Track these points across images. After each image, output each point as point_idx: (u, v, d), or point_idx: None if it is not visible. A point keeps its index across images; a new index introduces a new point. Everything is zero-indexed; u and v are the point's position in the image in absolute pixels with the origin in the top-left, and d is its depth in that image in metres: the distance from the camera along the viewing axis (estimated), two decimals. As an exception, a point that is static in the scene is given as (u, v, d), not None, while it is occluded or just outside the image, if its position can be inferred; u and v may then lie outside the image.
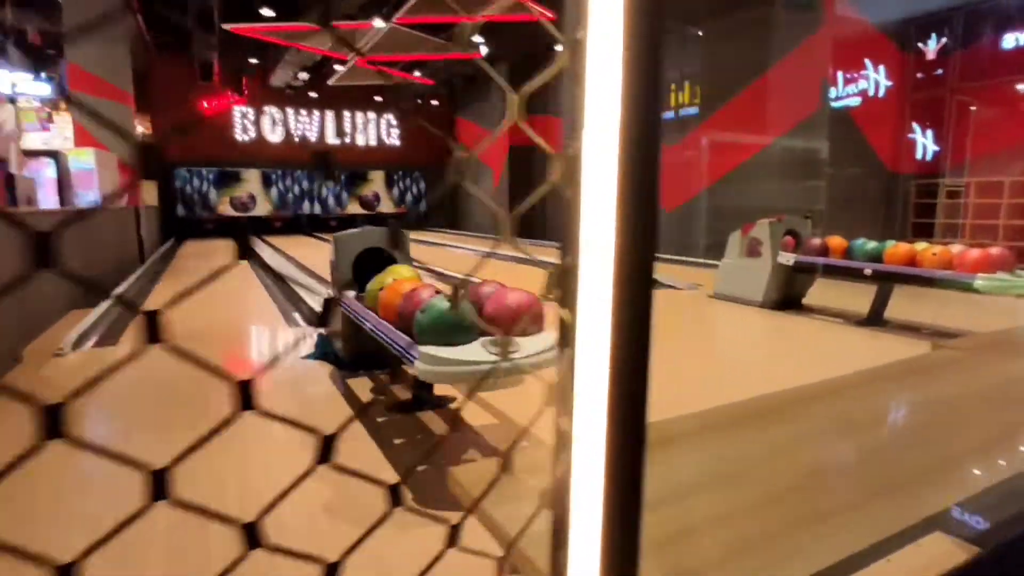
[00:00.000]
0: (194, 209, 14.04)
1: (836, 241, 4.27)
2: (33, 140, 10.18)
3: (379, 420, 2.31)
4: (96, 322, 3.99)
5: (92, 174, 8.13)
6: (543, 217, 13.31)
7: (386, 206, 16.21)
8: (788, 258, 4.34)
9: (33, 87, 10.91)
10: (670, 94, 9.72)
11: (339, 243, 2.97)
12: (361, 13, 8.09)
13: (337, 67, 11.19)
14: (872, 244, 4.00)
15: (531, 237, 12.19)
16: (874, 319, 3.97)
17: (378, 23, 7.64)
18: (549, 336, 1.86)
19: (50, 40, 9.46)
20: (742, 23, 7.78)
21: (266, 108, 14.50)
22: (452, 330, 1.77)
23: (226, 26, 8.17)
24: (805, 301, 4.56)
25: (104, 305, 4.44)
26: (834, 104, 7.97)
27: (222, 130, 14.07)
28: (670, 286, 5.44)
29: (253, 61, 12.09)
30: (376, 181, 16.05)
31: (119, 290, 5.18)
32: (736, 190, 7.97)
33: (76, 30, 8.55)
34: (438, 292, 2.02)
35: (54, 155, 6.83)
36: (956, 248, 3.56)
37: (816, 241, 4.27)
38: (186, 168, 13.85)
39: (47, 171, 6.75)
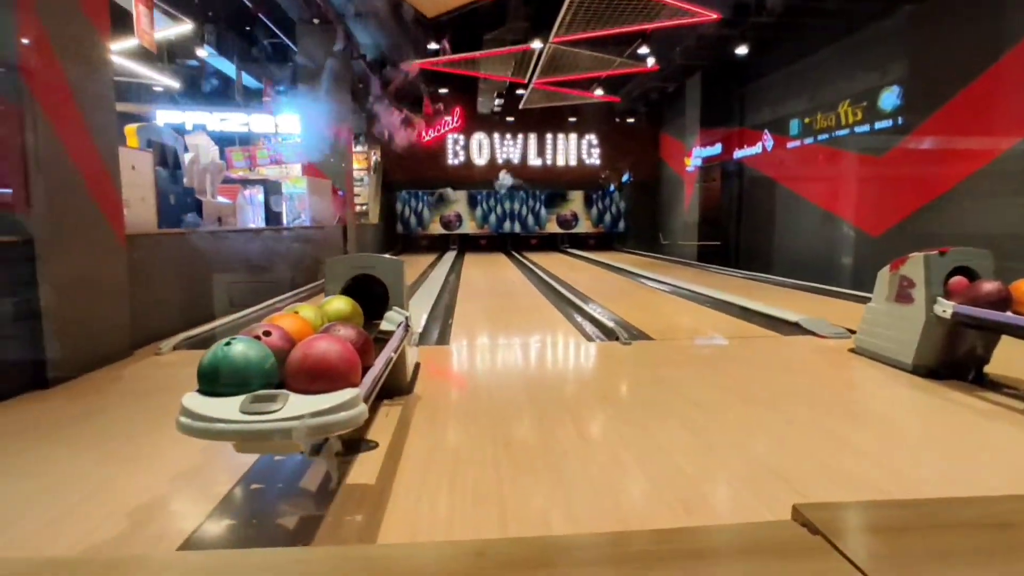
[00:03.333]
0: (410, 227, 15.63)
1: (1028, 287, 2.92)
2: (296, 170, 12.22)
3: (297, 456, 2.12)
4: (206, 331, 4.54)
5: (304, 198, 9.51)
6: (738, 241, 11.97)
7: (584, 226, 16.15)
8: (945, 307, 3.09)
9: (291, 127, 13.17)
10: (862, 105, 7.92)
11: (328, 268, 2.90)
12: (530, 35, 8.14)
13: (520, 91, 11.49)
14: (1074, 296, 2.63)
15: (724, 265, 11.00)
16: (1084, 409, 2.60)
17: (536, 44, 7.59)
18: (338, 397, 1.51)
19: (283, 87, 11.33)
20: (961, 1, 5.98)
21: (475, 134, 15.55)
22: (220, 377, 1.54)
23: (405, 64, 8.94)
24: (990, 369, 3.21)
25: (237, 314, 5.05)
26: None
27: (437, 156, 15.44)
28: (811, 332, 4.33)
29: (443, 91, 13.04)
30: (575, 201, 16.10)
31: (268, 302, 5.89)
32: (959, 210, 6.09)
33: (307, 78, 10.10)
34: (283, 332, 1.79)
35: (263, 183, 8.12)
36: None
37: (989, 286, 2.95)
38: (406, 191, 15.52)
39: (259, 197, 8.06)
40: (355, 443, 2.24)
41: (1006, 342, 3.08)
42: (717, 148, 12.69)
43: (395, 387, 2.76)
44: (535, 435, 2.38)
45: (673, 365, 3.63)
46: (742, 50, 9.55)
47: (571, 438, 2.34)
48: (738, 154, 12.20)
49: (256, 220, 7.95)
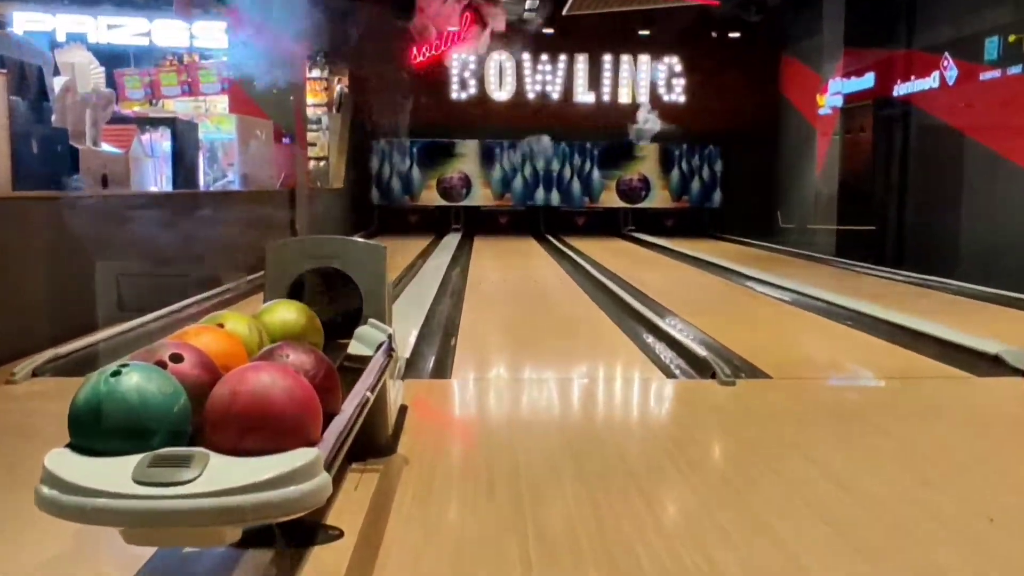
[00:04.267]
0: (391, 194, 15.70)
1: None
2: (221, 106, 12.38)
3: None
4: (84, 347, 4.60)
5: (233, 148, 9.62)
6: (900, 226, 11.82)
7: (659, 197, 16.10)
8: None
9: (215, 40, 13.31)
10: None
11: (270, 258, 2.93)
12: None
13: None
14: None
15: (878, 262, 10.85)
16: None
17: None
18: (288, 460, 1.50)
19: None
20: None
21: (493, 54, 15.58)
22: (103, 425, 1.53)
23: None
24: None
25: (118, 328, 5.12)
26: None
27: (433, 87, 15.49)
28: (1021, 372, 4.23)
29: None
30: (647, 159, 16.07)
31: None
32: None
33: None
34: (200, 356, 1.79)
35: (171, 124, 8.23)
36: None
37: None
38: (386, 140, 15.59)
39: (164, 144, 8.18)
40: (308, 530, 2.24)
41: None
42: (868, 80, 12.54)
43: (370, 443, 2.76)
44: (584, 522, 2.36)
45: (800, 419, 3.59)
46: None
47: (641, 528, 2.32)
48: (901, 89, 12.05)
49: (159, 180, 8.07)
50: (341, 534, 2.24)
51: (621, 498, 2.55)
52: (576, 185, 15.99)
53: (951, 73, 11.17)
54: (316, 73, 14.69)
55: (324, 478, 1.54)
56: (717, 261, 10.33)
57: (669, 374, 4.34)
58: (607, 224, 15.90)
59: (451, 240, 13.49)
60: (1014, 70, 10.02)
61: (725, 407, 3.72)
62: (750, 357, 4.63)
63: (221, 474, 1.47)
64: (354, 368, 2.49)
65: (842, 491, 2.67)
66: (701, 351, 4.50)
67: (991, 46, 10.49)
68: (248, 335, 2.18)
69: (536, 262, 10.94)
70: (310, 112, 14.00)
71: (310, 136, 13.78)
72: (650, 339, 5.28)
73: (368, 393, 2.27)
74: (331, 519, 2.32)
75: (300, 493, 1.49)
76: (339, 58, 14.93)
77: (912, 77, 11.92)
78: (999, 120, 10.15)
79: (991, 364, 4.42)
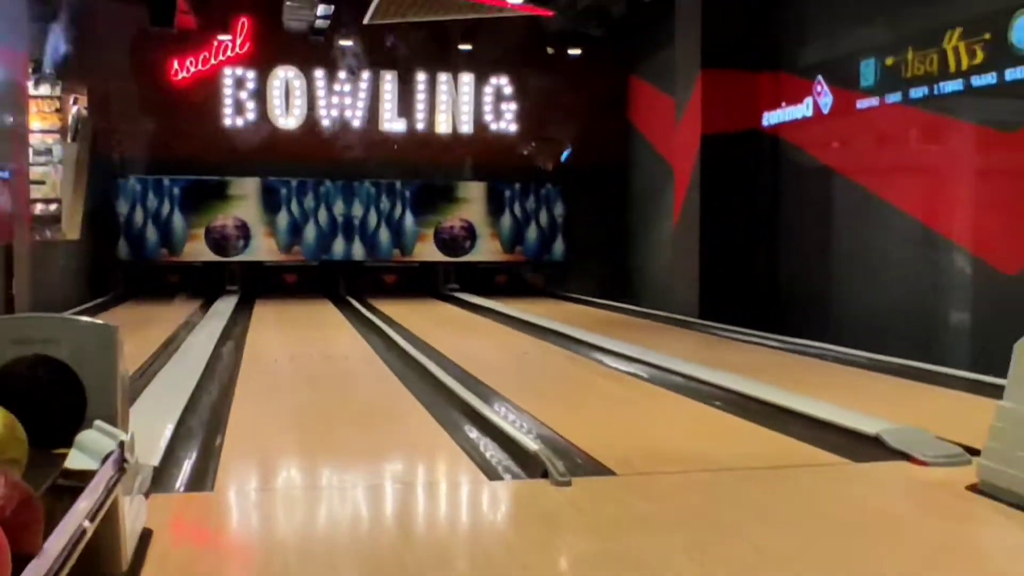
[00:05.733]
0: (145, 248, 15.31)
1: None
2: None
3: None
4: None
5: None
6: (773, 281, 12.33)
7: (487, 249, 16.43)
8: None
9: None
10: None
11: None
12: None
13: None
14: None
15: (749, 323, 11.16)
16: None
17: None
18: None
19: None
20: None
21: (277, 70, 15.55)
22: None
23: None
24: None
25: None
26: None
27: (201, 110, 15.24)
28: (902, 455, 4.52)
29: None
30: (472, 201, 16.40)
31: None
32: None
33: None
34: None
35: None
36: None
37: None
38: (136, 177, 15.22)
39: None
40: None
41: None
42: (733, 109, 12.98)
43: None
44: None
45: (649, 526, 3.65)
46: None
47: None
48: (771, 118, 12.59)
49: None
50: None
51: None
52: (384, 234, 16.11)
53: (825, 100, 11.76)
54: (45, 90, 14.16)
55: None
56: (560, 328, 10.54)
57: (493, 475, 4.37)
58: (423, 283, 16.14)
59: (224, 305, 13.18)
60: (892, 98, 10.55)
61: (557, 514, 3.74)
62: (593, 450, 4.71)
63: None
64: (73, 488, 2.38)
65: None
66: (532, 444, 4.57)
67: (867, 69, 11.05)
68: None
69: (334, 333, 10.82)
70: (37, 140, 13.44)
71: (37, 172, 13.20)
72: (473, 430, 5.30)
73: (85, 523, 2.16)
74: None
75: None
76: (76, 71, 14.47)
77: (783, 104, 12.48)
78: (876, 157, 10.74)
79: (872, 445, 4.67)
